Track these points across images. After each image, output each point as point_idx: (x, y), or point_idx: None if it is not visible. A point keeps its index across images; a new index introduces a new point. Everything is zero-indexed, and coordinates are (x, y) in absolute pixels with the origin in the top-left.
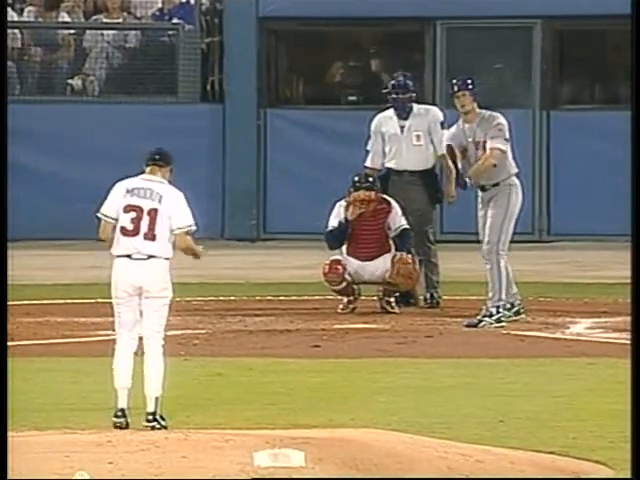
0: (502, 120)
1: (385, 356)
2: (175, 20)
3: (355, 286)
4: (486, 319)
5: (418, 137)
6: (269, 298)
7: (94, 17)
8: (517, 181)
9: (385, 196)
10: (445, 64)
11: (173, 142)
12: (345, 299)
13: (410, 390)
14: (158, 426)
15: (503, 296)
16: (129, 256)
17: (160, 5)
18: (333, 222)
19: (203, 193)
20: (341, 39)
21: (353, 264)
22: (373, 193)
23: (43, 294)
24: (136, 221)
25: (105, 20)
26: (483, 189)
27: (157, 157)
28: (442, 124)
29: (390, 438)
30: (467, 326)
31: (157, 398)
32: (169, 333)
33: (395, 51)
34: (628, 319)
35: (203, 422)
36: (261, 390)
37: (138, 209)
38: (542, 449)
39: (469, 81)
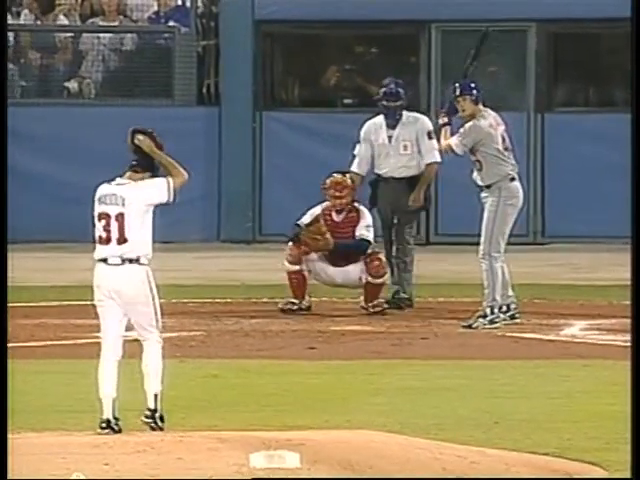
0: (475, 125)
1: (381, 358)
2: (171, 23)
3: (308, 297)
4: (480, 320)
5: (405, 147)
6: (265, 300)
7: (90, 20)
8: (511, 184)
9: (357, 205)
10: (440, 67)
11: (169, 145)
12: (290, 299)
13: (405, 392)
14: (153, 424)
15: (497, 297)
16: (105, 260)
17: (156, 8)
18: (306, 219)
19: (199, 195)
20: (336, 42)
21: (326, 267)
22: (349, 180)
23: (40, 296)
24: (107, 228)
25: (101, 23)
26: (481, 190)
27: (134, 162)
28: (430, 134)
29: (385, 439)
30: (464, 327)
31: (156, 395)
32: (165, 335)
33: (390, 54)
34: (623, 321)
35: (199, 423)
36: (257, 392)
37: (107, 216)
38: (537, 451)
39: (472, 85)
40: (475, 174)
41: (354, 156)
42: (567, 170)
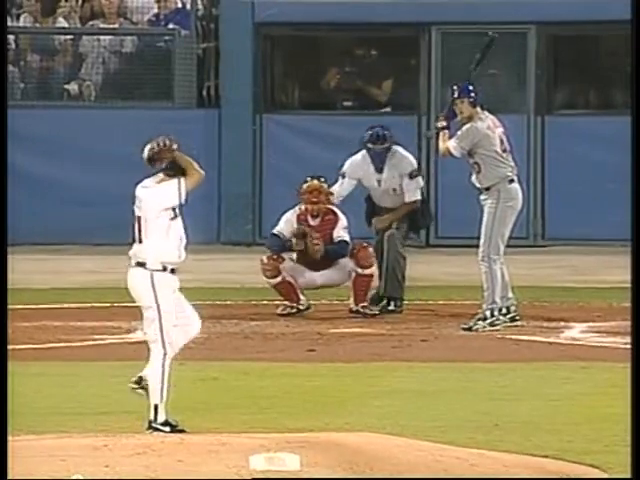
0: (472, 128)
1: (380, 360)
2: (171, 25)
3: (303, 297)
4: (480, 322)
5: (394, 190)
6: (265, 302)
7: (90, 22)
8: (510, 186)
9: (333, 207)
10: (440, 69)
11: None
12: (287, 303)
13: (405, 394)
14: (155, 433)
15: (497, 299)
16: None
17: (156, 10)
18: (282, 227)
19: (199, 197)
20: (337, 45)
21: (304, 271)
22: (325, 185)
23: (39, 298)
24: (134, 229)
25: (101, 25)
26: (480, 192)
27: (167, 167)
28: (412, 173)
29: (385, 442)
30: (464, 329)
31: (155, 406)
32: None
33: (390, 56)
34: (622, 323)
35: (199, 426)
36: (257, 394)
37: (135, 218)
38: (537, 453)
39: (470, 88)
40: (474, 177)
41: (337, 180)
42: (567, 172)
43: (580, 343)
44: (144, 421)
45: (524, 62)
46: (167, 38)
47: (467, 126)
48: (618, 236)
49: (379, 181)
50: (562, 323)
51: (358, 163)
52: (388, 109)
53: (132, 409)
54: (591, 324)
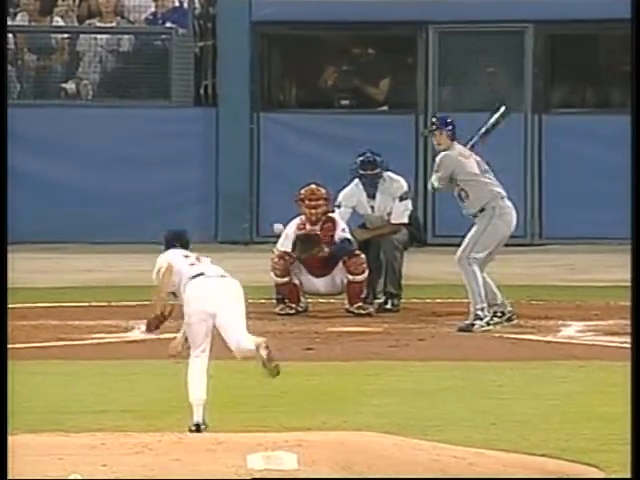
0: (445, 156)
1: (378, 359)
2: (168, 24)
3: (303, 299)
4: (478, 322)
5: (389, 214)
6: (262, 301)
7: (88, 21)
8: (504, 202)
9: (332, 215)
10: (438, 68)
11: (166, 146)
12: (288, 301)
13: (403, 393)
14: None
15: (483, 295)
16: None
17: (153, 9)
18: (285, 244)
19: (196, 197)
20: (334, 43)
21: (310, 278)
22: (323, 190)
23: (37, 297)
24: None
25: (99, 24)
26: (475, 216)
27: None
28: (402, 196)
29: (383, 441)
30: (459, 331)
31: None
32: (162, 336)
33: (388, 55)
34: (619, 322)
35: None
36: (254, 393)
37: None
38: (534, 452)
39: (448, 120)
40: (464, 209)
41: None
42: (564, 171)
43: (577, 342)
44: (141, 420)
45: (522, 61)
46: (164, 37)
47: (440, 156)
48: (615, 235)
49: (372, 207)
50: (559, 322)
51: (352, 192)
52: (385, 108)
53: (130, 408)
54: (588, 323)
